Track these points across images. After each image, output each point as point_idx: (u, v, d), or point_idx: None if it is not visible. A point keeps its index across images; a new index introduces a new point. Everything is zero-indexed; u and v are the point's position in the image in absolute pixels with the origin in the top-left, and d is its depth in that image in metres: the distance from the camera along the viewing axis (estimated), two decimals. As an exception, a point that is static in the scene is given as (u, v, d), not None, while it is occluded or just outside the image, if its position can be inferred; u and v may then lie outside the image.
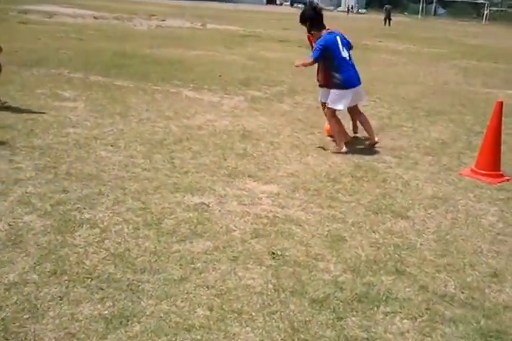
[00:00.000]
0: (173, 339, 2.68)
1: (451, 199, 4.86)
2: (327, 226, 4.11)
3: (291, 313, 2.96)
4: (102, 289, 3.06)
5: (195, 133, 6.41)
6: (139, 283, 3.14)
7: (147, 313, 2.86)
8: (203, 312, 2.90)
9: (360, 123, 6.54)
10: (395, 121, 7.96)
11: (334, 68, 5.95)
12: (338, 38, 5.96)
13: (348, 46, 6.10)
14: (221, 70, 11.25)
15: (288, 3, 67.68)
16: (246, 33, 21.02)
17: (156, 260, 3.43)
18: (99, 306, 2.90)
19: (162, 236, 3.76)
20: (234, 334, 2.75)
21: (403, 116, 8.35)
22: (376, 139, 6.35)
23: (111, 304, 2.93)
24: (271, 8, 53.31)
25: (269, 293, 3.13)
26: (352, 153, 6.08)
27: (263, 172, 5.24)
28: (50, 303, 2.90)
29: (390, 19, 39.70)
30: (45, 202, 4.17)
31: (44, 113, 6.83)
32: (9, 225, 3.76)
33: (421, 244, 3.92)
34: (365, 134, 6.52)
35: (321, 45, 5.83)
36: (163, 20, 24.75)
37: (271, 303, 3.04)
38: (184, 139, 6.14)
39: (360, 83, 6.14)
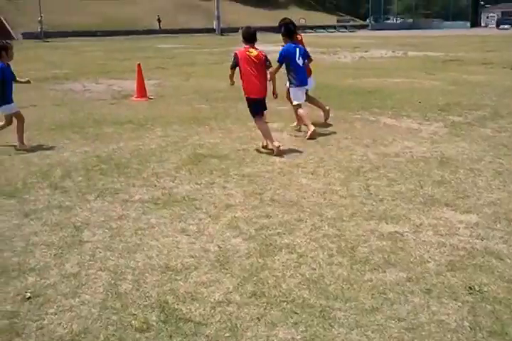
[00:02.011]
0: (362, 371, 2.53)
1: None
2: (533, 261, 3.60)
3: (490, 356, 2.61)
4: (296, 313, 3.04)
5: (392, 161, 6.17)
6: (331, 310, 3.06)
7: (337, 342, 2.76)
8: (393, 346, 2.71)
9: (313, 103, 8.28)
10: None
11: (290, 71, 7.49)
12: (297, 49, 7.40)
13: (305, 56, 7.55)
14: (421, 96, 10.79)
15: (493, 25, 62.27)
16: (448, 58, 19.91)
17: (348, 288, 3.32)
18: (292, 330, 2.88)
19: (355, 263, 3.63)
20: (425, 373, 2.51)
21: None
22: (327, 107, 8.34)
23: (304, 329, 2.89)
24: (475, 31, 50.05)
25: (464, 332, 2.81)
26: None
27: (461, 200, 4.82)
28: (249, 324, 2.95)
29: None
30: (250, 226, 4.34)
31: (254, 143, 7.19)
32: (219, 247, 3.97)
33: None
34: None
35: (282, 52, 7.41)
36: (366, 51, 24.72)
37: (467, 343, 2.72)
38: (381, 166, 5.95)
39: (307, 84, 7.71)
